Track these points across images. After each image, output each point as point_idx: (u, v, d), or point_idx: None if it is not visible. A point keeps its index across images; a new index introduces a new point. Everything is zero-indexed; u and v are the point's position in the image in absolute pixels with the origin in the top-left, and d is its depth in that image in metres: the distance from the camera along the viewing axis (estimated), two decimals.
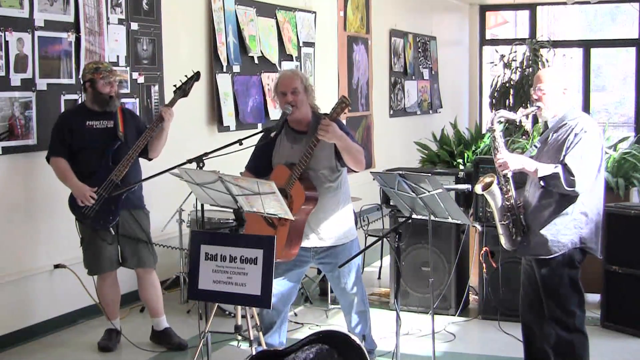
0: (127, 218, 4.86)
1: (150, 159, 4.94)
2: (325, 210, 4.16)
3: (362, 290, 4.35)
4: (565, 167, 3.69)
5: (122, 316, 5.26)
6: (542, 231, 3.82)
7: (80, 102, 5.36)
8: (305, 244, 4.18)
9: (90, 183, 4.71)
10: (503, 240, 3.95)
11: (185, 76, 4.90)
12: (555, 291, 3.88)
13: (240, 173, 4.37)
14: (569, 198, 3.76)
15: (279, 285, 4.23)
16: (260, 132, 4.32)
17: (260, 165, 4.29)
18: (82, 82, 4.87)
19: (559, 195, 3.77)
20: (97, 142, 4.77)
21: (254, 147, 4.33)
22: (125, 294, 5.36)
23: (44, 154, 5.24)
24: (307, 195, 4.04)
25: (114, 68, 4.92)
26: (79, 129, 4.77)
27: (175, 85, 4.90)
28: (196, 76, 4.89)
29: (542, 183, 3.76)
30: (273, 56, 7.70)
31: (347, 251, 4.20)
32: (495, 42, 14.18)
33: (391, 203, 5.50)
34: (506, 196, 3.86)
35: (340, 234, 4.21)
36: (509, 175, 3.85)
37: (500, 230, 3.93)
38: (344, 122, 4.50)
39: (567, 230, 3.80)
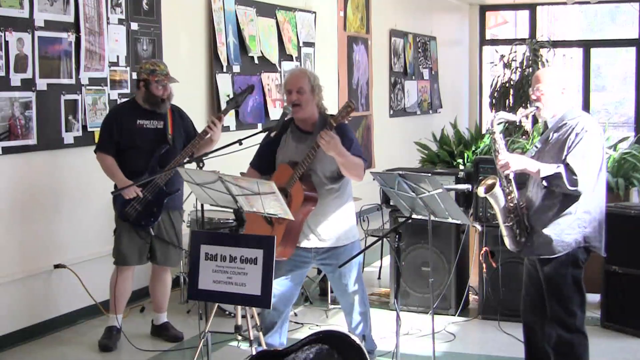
0: (164, 218, 4.92)
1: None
2: (326, 212, 4.15)
3: (363, 291, 4.34)
4: (567, 166, 3.69)
5: (122, 316, 5.26)
6: (546, 231, 3.82)
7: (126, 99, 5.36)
8: (305, 244, 4.18)
9: (136, 181, 4.73)
10: (507, 241, 3.95)
11: (240, 88, 4.92)
12: (558, 291, 3.88)
13: (241, 173, 4.37)
14: (572, 198, 3.76)
15: (281, 286, 4.23)
16: (261, 131, 4.32)
17: (264, 162, 4.28)
18: (136, 79, 4.92)
19: (562, 195, 3.77)
20: (146, 143, 4.82)
21: (259, 145, 4.33)
22: None
23: (44, 154, 5.26)
24: (307, 195, 4.04)
25: (169, 71, 4.92)
26: (130, 127, 4.82)
27: (228, 96, 4.92)
28: (250, 89, 4.90)
29: (544, 183, 3.76)
30: (273, 56, 7.70)
31: (349, 253, 4.18)
32: (495, 42, 14.19)
33: (391, 203, 5.50)
34: (509, 197, 3.85)
35: (341, 236, 4.20)
36: (511, 176, 3.85)
37: (504, 231, 3.92)
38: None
39: (570, 230, 3.80)
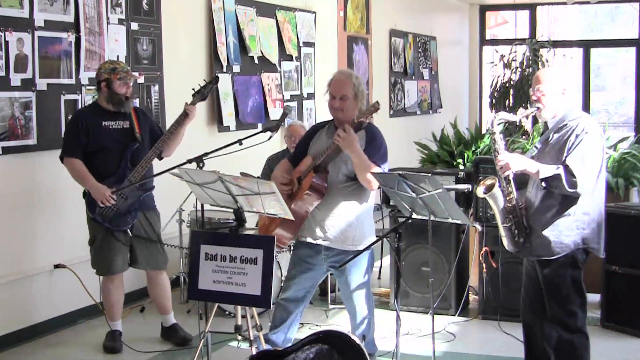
0: (140, 219, 4.87)
1: (161, 159, 4.95)
2: (335, 209, 4.13)
3: (369, 297, 4.31)
4: (566, 168, 3.68)
5: (122, 316, 5.25)
6: (545, 232, 3.82)
7: (90, 101, 5.36)
8: (311, 240, 4.17)
9: (108, 184, 4.70)
10: (505, 242, 3.94)
11: (204, 80, 4.92)
12: (557, 292, 3.87)
13: (241, 173, 4.37)
14: (571, 199, 3.76)
15: (293, 287, 4.24)
16: (261, 131, 4.33)
17: (298, 156, 4.32)
18: (97, 81, 4.87)
19: (561, 197, 3.77)
20: (115, 143, 4.78)
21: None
22: (125, 294, 5.35)
23: (44, 154, 5.25)
24: (313, 184, 4.04)
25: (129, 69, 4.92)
26: (95, 129, 4.77)
27: (193, 89, 4.90)
28: (214, 80, 4.91)
29: (544, 184, 3.76)
30: (273, 56, 7.70)
31: (359, 259, 4.14)
32: (495, 42, 14.18)
33: (391, 203, 5.50)
34: (508, 198, 3.85)
35: (350, 238, 4.16)
36: (511, 177, 3.84)
37: (502, 232, 3.92)
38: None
39: (569, 231, 3.79)
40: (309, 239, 4.18)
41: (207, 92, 4.89)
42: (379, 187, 4.15)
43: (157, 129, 5.04)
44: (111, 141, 4.77)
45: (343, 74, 4.27)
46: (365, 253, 4.24)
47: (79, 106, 5.47)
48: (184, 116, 4.82)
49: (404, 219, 4.19)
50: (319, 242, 4.17)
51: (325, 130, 4.27)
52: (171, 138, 4.84)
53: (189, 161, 4.06)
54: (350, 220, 4.18)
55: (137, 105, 5.65)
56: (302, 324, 5.39)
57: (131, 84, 4.85)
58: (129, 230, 4.81)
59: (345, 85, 4.12)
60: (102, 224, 4.78)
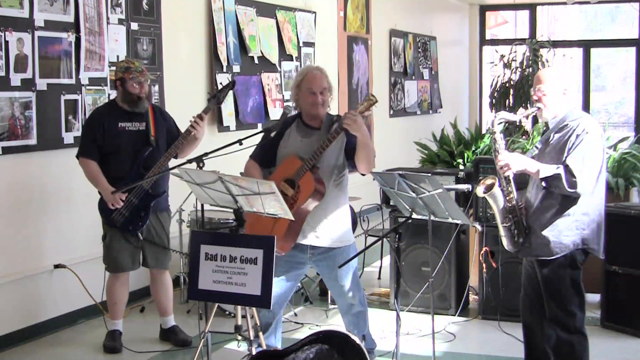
0: (153, 220, 4.87)
1: (177, 158, 4.94)
2: (326, 209, 4.15)
3: (360, 292, 4.32)
4: (567, 168, 3.68)
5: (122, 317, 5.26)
6: (544, 232, 3.81)
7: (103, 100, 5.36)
8: (302, 241, 4.17)
9: (119, 187, 4.67)
10: (505, 241, 3.94)
11: (220, 83, 4.90)
12: (556, 292, 3.87)
13: (241, 173, 4.37)
14: (571, 199, 3.76)
15: (276, 287, 4.21)
16: (261, 131, 4.33)
17: (266, 155, 4.30)
18: (113, 80, 4.85)
19: (561, 197, 3.77)
20: (129, 146, 4.76)
21: (261, 138, 4.35)
22: None
23: (44, 154, 5.25)
24: (317, 188, 4.04)
25: (145, 67, 4.87)
26: (112, 130, 4.75)
27: (209, 93, 4.87)
28: (231, 85, 4.88)
29: (543, 184, 3.76)
30: (273, 56, 7.70)
31: (345, 255, 4.17)
32: (495, 42, 14.19)
33: (391, 203, 5.50)
34: (508, 198, 3.85)
35: (337, 237, 4.18)
36: (511, 176, 3.84)
37: (502, 232, 3.92)
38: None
39: (568, 232, 3.79)
40: (302, 241, 4.17)
41: (223, 96, 4.86)
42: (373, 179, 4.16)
43: (175, 130, 4.97)
44: (126, 144, 4.76)
45: (317, 69, 4.30)
46: (353, 248, 4.26)
47: (79, 106, 5.48)
48: (188, 132, 4.75)
49: (404, 219, 4.19)
50: (308, 242, 4.17)
51: (295, 128, 4.25)
52: (186, 143, 4.79)
53: (189, 161, 4.06)
54: (338, 220, 4.20)
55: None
56: (302, 323, 5.41)
57: (146, 83, 4.80)
58: (140, 234, 4.82)
59: (323, 80, 4.19)
60: (112, 227, 4.79)
